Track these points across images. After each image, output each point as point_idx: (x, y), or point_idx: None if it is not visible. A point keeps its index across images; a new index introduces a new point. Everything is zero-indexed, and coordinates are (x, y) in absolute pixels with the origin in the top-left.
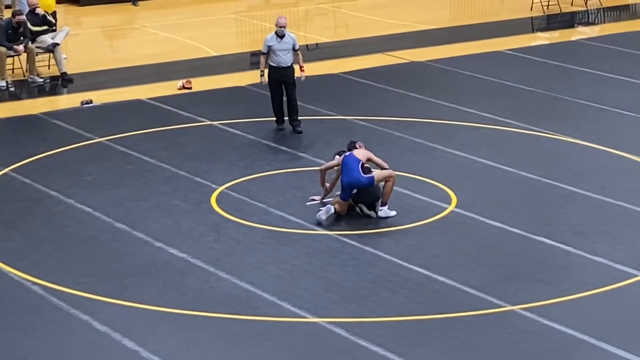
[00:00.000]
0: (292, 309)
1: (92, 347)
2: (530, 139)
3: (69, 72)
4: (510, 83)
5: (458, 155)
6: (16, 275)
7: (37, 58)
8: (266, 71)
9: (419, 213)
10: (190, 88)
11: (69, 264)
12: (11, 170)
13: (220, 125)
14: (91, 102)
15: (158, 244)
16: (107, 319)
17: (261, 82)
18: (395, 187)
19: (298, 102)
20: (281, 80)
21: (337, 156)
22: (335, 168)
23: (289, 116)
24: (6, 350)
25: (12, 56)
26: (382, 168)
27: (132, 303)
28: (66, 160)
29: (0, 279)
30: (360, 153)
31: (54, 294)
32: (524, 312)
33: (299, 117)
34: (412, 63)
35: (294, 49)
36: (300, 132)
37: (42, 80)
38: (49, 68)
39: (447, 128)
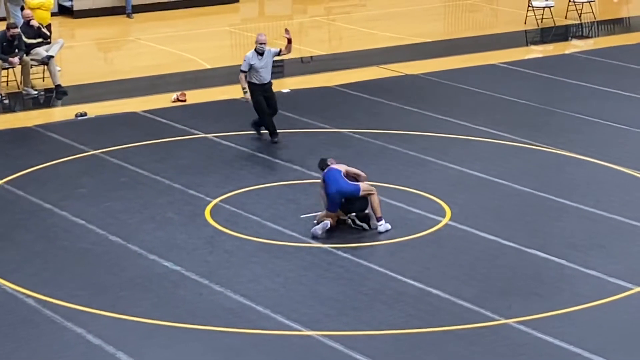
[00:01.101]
0: (286, 321)
1: None
2: (525, 151)
3: (63, 85)
4: (504, 96)
5: (452, 168)
6: (10, 287)
7: (31, 70)
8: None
9: (413, 226)
10: (185, 100)
11: (63, 276)
12: (5, 182)
13: (214, 138)
14: (85, 114)
15: (152, 257)
16: (101, 332)
17: (245, 100)
18: (389, 200)
19: (291, 115)
20: (264, 96)
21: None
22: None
23: (270, 129)
24: None
25: (7, 68)
26: (359, 177)
27: (126, 316)
28: (60, 173)
29: None
30: (338, 166)
31: (47, 307)
32: (518, 326)
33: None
34: (407, 76)
35: (277, 55)
36: (277, 142)
37: (36, 92)
38: (43, 80)
39: (442, 141)
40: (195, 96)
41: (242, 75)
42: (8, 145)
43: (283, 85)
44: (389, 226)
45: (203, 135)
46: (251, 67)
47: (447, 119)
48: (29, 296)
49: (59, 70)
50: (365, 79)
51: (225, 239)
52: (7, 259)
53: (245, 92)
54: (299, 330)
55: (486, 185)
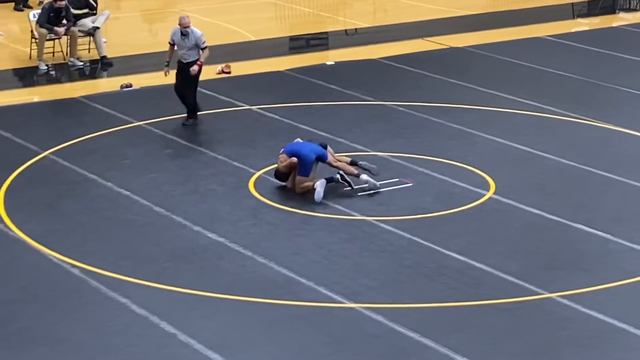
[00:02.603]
0: (330, 294)
1: (130, 330)
2: (570, 125)
3: (108, 56)
4: (549, 69)
5: (497, 141)
6: (55, 257)
7: (77, 41)
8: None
9: (457, 199)
10: (229, 72)
11: (107, 247)
12: (51, 153)
13: (258, 110)
14: (130, 85)
15: (196, 228)
16: (145, 302)
17: (165, 73)
18: (433, 173)
19: (335, 88)
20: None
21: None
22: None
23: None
24: (45, 332)
25: (53, 39)
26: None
27: (170, 287)
28: (105, 144)
29: (40, 261)
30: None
31: (92, 277)
32: (561, 300)
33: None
34: (451, 49)
35: (200, 47)
36: (187, 126)
37: (82, 63)
38: (89, 52)
39: (486, 114)
40: (239, 68)
41: (169, 47)
42: (53, 116)
43: (327, 58)
44: (368, 178)
45: (247, 107)
46: (174, 42)
47: (492, 92)
48: (74, 266)
49: (105, 42)
50: (410, 52)
51: (269, 211)
52: (52, 229)
53: (166, 65)
54: (342, 303)
55: (531, 159)
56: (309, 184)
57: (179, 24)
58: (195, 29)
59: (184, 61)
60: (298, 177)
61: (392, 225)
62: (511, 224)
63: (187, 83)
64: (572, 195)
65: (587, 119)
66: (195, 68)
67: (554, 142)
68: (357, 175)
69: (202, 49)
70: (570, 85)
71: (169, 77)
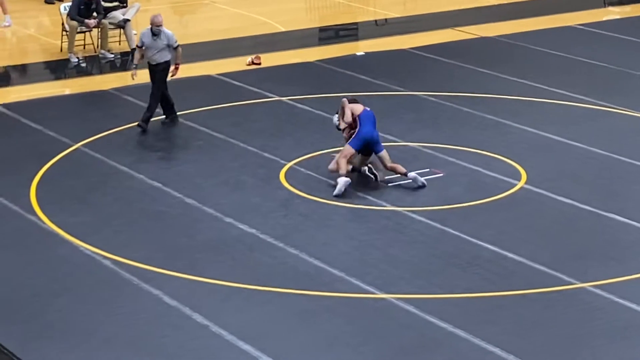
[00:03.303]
0: (361, 285)
1: (162, 322)
2: (601, 114)
3: None
4: (581, 58)
5: (528, 131)
6: (87, 249)
7: (108, 34)
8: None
9: (488, 189)
10: (260, 64)
11: (139, 238)
12: (82, 145)
13: (289, 101)
14: None
15: (228, 220)
16: (177, 294)
17: (132, 76)
18: (464, 163)
19: (365, 78)
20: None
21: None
22: (346, 121)
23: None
24: (78, 323)
25: (84, 32)
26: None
27: (202, 278)
28: (136, 136)
29: (72, 253)
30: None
31: (125, 269)
32: (594, 290)
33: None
34: (482, 38)
35: (172, 47)
36: (166, 123)
37: (112, 56)
38: (119, 44)
39: (517, 103)
40: (269, 59)
41: (137, 51)
42: (85, 108)
43: (357, 48)
44: (417, 176)
45: (278, 98)
46: (144, 45)
47: (522, 81)
48: (106, 258)
49: (135, 34)
50: (440, 42)
51: (300, 202)
52: (84, 221)
53: (134, 68)
54: (374, 294)
55: (562, 149)
56: (343, 165)
57: (152, 23)
58: (165, 29)
59: (153, 63)
60: (346, 146)
61: (423, 215)
62: (543, 213)
63: (161, 84)
64: (604, 185)
65: (618, 107)
66: (175, 71)
67: (585, 131)
68: (405, 174)
69: (175, 47)
70: (602, 74)
71: (201, 68)
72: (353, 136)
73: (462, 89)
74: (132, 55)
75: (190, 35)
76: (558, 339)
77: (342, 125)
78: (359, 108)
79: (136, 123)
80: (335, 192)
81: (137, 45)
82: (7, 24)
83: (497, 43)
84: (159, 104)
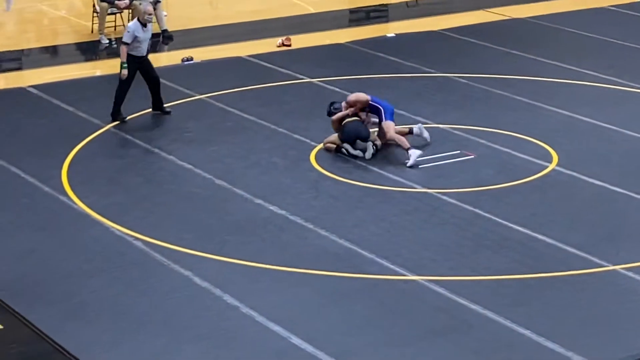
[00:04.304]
0: (391, 266)
1: (193, 302)
2: (634, 96)
3: (169, 30)
4: (614, 40)
5: (560, 113)
6: (119, 230)
7: None
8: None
9: (520, 171)
10: (290, 45)
11: (170, 219)
12: (113, 127)
13: (319, 83)
14: (191, 59)
15: (258, 201)
16: (207, 275)
17: (122, 76)
18: (495, 145)
19: (396, 60)
20: (143, 70)
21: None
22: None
23: (158, 103)
24: (109, 304)
25: (114, 13)
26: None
27: (232, 259)
28: (167, 117)
29: (104, 234)
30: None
31: (156, 250)
32: (626, 272)
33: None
34: (513, 20)
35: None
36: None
37: None
38: None
39: (549, 86)
40: (300, 41)
41: (124, 48)
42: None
43: (387, 30)
44: (417, 152)
45: (308, 79)
46: (135, 39)
47: (554, 63)
48: (137, 239)
49: (166, 15)
50: (472, 23)
51: (330, 183)
52: (115, 202)
53: (124, 67)
54: (404, 275)
55: (594, 131)
56: (403, 138)
57: (146, 12)
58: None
59: (143, 55)
60: (388, 122)
61: (454, 197)
62: (574, 195)
63: (151, 68)
64: (636, 167)
65: None
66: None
67: (617, 113)
68: (407, 150)
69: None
70: (635, 56)
71: (231, 50)
72: (383, 114)
73: (493, 70)
74: (122, 54)
75: (221, 16)
76: (589, 321)
77: (351, 112)
78: (365, 95)
79: (149, 110)
80: (410, 162)
81: (123, 42)
82: (6, 9)
83: (529, 24)
84: (153, 96)
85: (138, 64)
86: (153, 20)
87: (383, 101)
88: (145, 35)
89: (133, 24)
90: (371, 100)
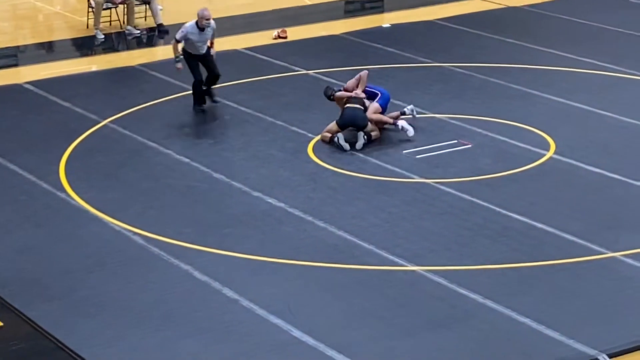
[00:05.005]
0: (391, 257)
1: (192, 296)
2: (631, 83)
3: (165, 24)
4: (609, 27)
5: (556, 101)
6: (117, 226)
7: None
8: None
9: (517, 160)
10: (286, 37)
11: (169, 214)
12: (110, 122)
13: (315, 75)
14: None
15: (256, 194)
16: (207, 269)
17: (178, 70)
18: (492, 134)
19: (392, 50)
20: (203, 63)
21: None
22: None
23: (209, 87)
24: (108, 299)
25: (110, 8)
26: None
27: (231, 253)
28: (164, 111)
29: (102, 230)
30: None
31: (154, 244)
32: (626, 259)
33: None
34: (509, 8)
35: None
36: (217, 102)
37: (139, 32)
38: (145, 20)
39: (545, 74)
40: (295, 33)
41: (176, 45)
42: (112, 84)
43: (383, 20)
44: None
45: (304, 71)
46: (187, 39)
47: (551, 51)
48: (136, 234)
49: (161, 9)
50: (467, 12)
51: (328, 175)
52: (113, 197)
53: (179, 61)
54: (403, 266)
55: (591, 118)
56: (386, 118)
57: (203, 17)
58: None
59: (200, 53)
60: (373, 104)
61: (452, 187)
62: (572, 183)
63: (212, 64)
64: (634, 154)
65: None
66: (213, 50)
67: (614, 100)
68: (394, 124)
69: (213, 40)
70: (631, 43)
71: (227, 43)
72: (378, 99)
73: (490, 59)
74: (175, 49)
75: (216, 10)
76: (589, 308)
77: (362, 95)
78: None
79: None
80: (411, 133)
81: (176, 39)
82: None
83: (525, 13)
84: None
85: (198, 59)
86: (207, 25)
87: (384, 90)
88: (200, 37)
89: (190, 24)
90: (369, 87)
